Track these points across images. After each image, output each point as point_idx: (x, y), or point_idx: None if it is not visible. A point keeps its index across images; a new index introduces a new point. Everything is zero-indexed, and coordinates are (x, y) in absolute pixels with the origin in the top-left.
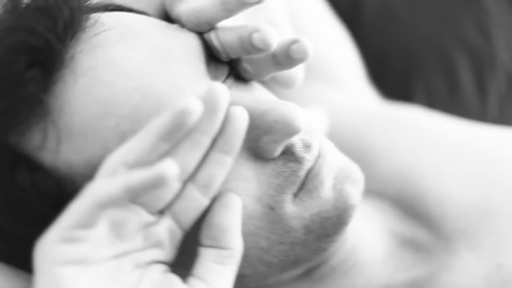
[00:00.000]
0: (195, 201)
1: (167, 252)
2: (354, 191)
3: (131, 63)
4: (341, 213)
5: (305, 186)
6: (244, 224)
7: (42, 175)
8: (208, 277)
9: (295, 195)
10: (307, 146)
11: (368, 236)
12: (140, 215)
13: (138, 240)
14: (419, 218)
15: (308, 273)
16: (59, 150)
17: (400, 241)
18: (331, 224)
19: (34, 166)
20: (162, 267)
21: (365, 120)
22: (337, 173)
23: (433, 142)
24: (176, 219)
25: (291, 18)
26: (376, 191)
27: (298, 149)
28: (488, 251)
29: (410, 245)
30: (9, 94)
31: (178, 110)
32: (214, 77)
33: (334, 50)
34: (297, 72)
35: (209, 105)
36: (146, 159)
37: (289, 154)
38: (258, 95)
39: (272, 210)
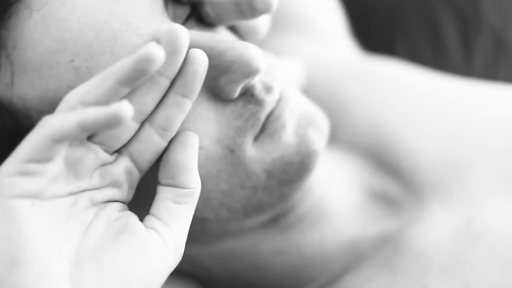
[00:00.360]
0: (153, 142)
1: (124, 192)
2: (318, 137)
3: (85, 3)
4: (303, 158)
5: (266, 129)
6: (204, 166)
7: None
8: (165, 216)
9: (256, 138)
10: (268, 89)
11: (337, 186)
12: (97, 154)
13: (95, 178)
14: (390, 170)
15: (274, 221)
16: (14, 85)
17: (370, 193)
18: (293, 170)
19: None
20: (120, 206)
21: (342, 72)
22: (300, 118)
23: (408, 97)
24: (134, 160)
25: None
26: (349, 142)
27: (258, 91)
28: (458, 205)
29: (381, 198)
30: None
31: (140, 56)
32: (173, 17)
33: (314, 1)
34: (261, 23)
35: (169, 47)
36: (104, 100)
37: (248, 95)
38: (216, 35)
39: (232, 152)
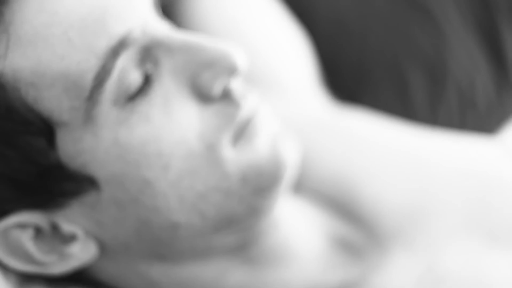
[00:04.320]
0: None
1: None
2: (289, 150)
3: None
4: (274, 167)
5: (242, 134)
6: (185, 160)
7: None
8: None
9: (233, 142)
10: (244, 95)
11: (302, 230)
12: None
13: None
14: (352, 219)
15: (240, 250)
16: (7, 56)
17: (333, 240)
18: (265, 177)
19: None
20: None
21: (305, 124)
22: (273, 131)
23: (370, 147)
24: None
25: (233, 19)
26: (313, 191)
27: (236, 93)
28: (420, 251)
29: (343, 245)
30: None
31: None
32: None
33: (279, 52)
34: None
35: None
36: None
37: (227, 97)
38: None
39: (211, 150)
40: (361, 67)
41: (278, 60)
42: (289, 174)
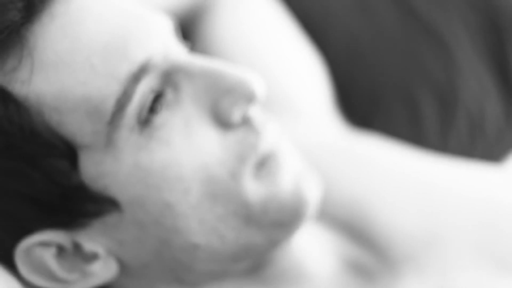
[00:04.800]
0: None
1: None
2: (311, 188)
3: (102, 10)
4: (297, 205)
5: (264, 166)
6: (206, 184)
7: (14, 105)
8: None
9: (256, 173)
10: (264, 124)
11: (314, 251)
12: None
13: None
14: (365, 243)
15: (255, 271)
16: (31, 81)
17: (345, 262)
18: (286, 213)
19: (7, 97)
20: None
21: (320, 150)
22: (295, 169)
23: (384, 174)
24: None
25: (250, 42)
26: (328, 215)
27: (257, 122)
28: (432, 276)
29: (355, 267)
30: None
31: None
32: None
33: (295, 76)
34: None
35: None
36: None
37: (247, 124)
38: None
39: (232, 178)
40: (373, 91)
41: (295, 84)
42: (311, 212)
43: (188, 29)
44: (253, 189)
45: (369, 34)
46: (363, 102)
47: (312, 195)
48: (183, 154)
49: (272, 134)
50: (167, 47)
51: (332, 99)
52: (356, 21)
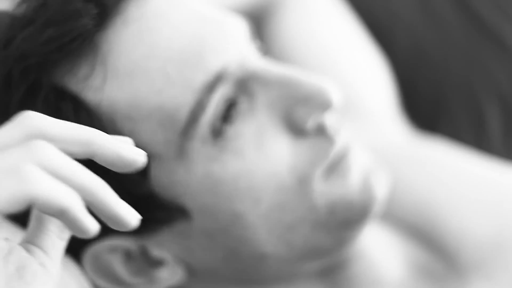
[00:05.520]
0: None
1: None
2: (379, 185)
3: (177, 16)
4: (364, 202)
5: (334, 168)
6: (275, 194)
7: (86, 113)
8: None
9: (324, 175)
10: (337, 130)
11: (385, 256)
12: None
13: None
14: (435, 248)
15: (324, 275)
16: (104, 88)
17: (414, 267)
18: (354, 211)
19: (79, 105)
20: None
21: (390, 153)
22: (364, 166)
23: (453, 178)
24: None
25: (320, 45)
26: (398, 219)
27: (329, 128)
28: (501, 284)
29: (425, 273)
30: (65, 22)
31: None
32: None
33: (365, 80)
34: None
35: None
36: None
37: (321, 131)
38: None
39: (301, 183)
40: (438, 95)
41: (365, 87)
42: (378, 208)
43: (255, 26)
44: (321, 191)
45: (433, 37)
46: (427, 105)
47: (381, 191)
48: (255, 164)
49: (344, 138)
50: (243, 53)
51: (397, 101)
52: (420, 23)
